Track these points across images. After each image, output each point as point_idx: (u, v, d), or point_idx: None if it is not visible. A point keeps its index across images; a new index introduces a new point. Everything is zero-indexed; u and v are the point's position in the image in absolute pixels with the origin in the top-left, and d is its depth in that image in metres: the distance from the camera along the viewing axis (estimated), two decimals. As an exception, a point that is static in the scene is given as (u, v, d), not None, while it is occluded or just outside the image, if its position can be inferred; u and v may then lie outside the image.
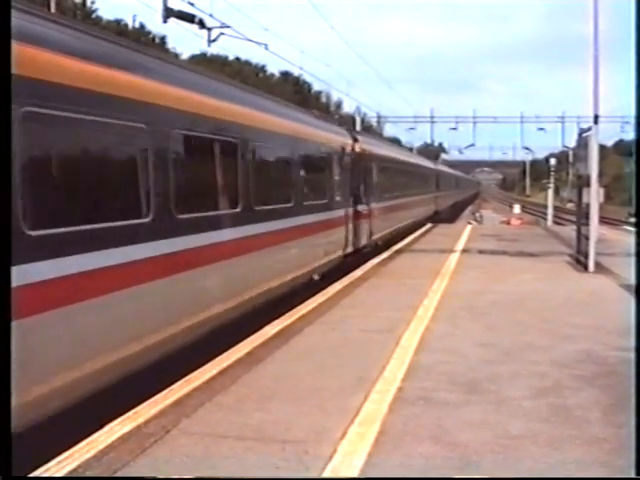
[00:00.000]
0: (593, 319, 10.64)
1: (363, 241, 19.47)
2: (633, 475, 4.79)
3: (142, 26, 57.31)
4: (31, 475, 5.06)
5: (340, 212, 17.04)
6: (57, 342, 6.05)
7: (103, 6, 68.78)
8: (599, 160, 16.79)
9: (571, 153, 56.02)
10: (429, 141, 72.91)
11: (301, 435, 5.83)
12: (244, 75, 58.65)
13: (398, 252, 20.74)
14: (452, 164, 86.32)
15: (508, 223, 39.87)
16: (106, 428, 5.88)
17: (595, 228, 16.86)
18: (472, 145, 72.79)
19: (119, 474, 5.10)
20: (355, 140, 19.71)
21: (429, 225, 32.79)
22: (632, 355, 8.09)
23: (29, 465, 5.07)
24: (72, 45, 6.79)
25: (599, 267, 16.08)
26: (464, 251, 20.85)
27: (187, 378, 7.36)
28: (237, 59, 66.40)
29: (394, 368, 7.86)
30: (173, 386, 7.07)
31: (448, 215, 50.17)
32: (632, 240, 24.06)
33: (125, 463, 5.24)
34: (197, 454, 5.46)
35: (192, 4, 17.40)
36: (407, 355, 8.43)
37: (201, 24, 17.67)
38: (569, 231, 24.69)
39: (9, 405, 4.10)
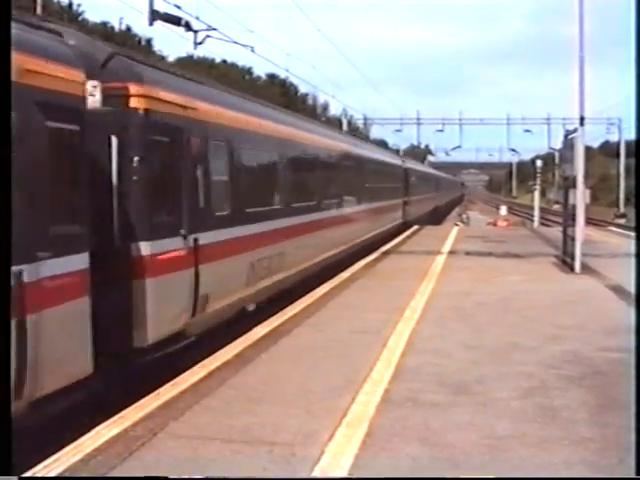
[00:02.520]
0: (579, 320, 10.68)
1: None
2: (633, 475, 4.81)
3: (129, 29, 57.17)
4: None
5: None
6: None
7: (88, 7, 68.40)
8: (585, 161, 16.88)
9: (557, 155, 56.25)
10: (416, 143, 72.94)
11: (289, 437, 5.83)
12: (231, 78, 58.49)
13: (385, 254, 20.76)
14: (439, 166, 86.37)
15: (495, 225, 39.94)
16: (92, 432, 5.86)
17: (581, 229, 16.94)
18: (459, 147, 72.76)
19: (107, 477, 5.08)
20: None
21: (415, 227, 32.72)
22: (619, 355, 8.19)
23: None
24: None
25: (585, 268, 16.14)
26: (451, 253, 20.88)
27: (175, 381, 7.34)
28: (224, 62, 66.31)
29: (381, 370, 7.87)
30: (161, 389, 7.06)
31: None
32: (618, 241, 24.24)
33: (113, 466, 5.23)
34: (185, 456, 5.45)
35: (178, 7, 17.37)
36: (394, 357, 8.44)
37: (187, 27, 17.61)
38: (555, 232, 24.78)
39: (9, 405, 4.07)
